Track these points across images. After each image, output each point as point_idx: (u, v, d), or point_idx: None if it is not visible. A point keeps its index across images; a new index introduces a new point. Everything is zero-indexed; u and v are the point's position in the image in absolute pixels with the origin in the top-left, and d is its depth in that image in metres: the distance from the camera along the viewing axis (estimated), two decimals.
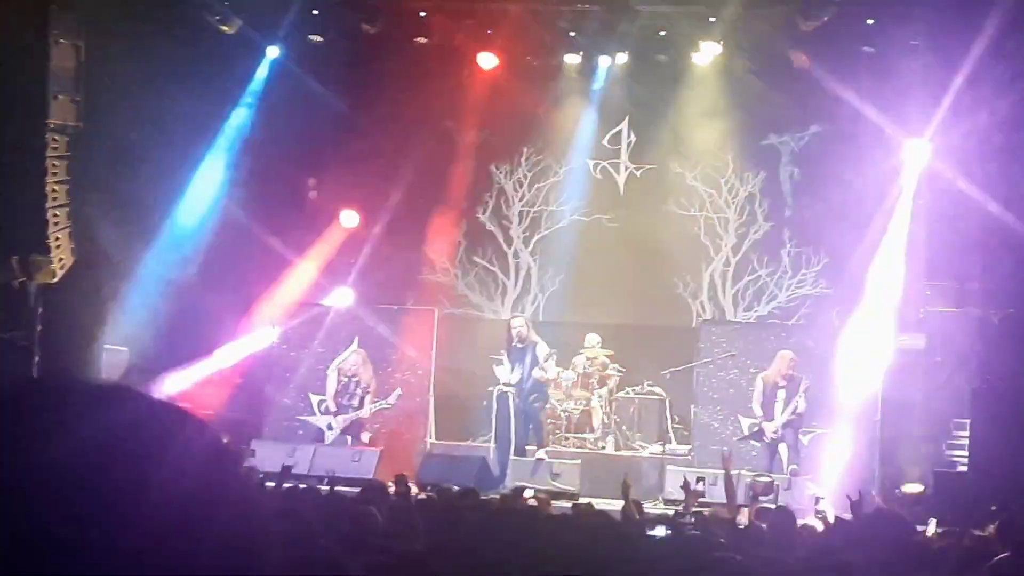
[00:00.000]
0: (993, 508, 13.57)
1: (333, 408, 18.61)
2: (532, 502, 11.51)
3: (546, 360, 17.96)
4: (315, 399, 19.38)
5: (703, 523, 9.79)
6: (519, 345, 18.03)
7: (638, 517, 10.50)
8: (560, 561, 6.64)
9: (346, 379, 18.70)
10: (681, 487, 12.27)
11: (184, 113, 18.63)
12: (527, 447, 17.84)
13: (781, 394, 17.44)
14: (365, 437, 18.59)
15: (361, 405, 18.55)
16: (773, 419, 17.41)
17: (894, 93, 18.30)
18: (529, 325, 18.40)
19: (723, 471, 16.71)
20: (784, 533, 9.40)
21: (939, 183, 18.14)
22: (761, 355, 18.34)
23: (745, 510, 12.00)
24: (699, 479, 12.53)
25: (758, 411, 17.54)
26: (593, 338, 19.65)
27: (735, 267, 20.77)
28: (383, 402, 18.74)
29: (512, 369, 18.01)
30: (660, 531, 8.80)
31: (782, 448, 17.43)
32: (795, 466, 14.27)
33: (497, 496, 12.86)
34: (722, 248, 20.81)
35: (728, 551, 7.21)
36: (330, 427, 18.50)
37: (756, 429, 17.57)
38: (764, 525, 9.80)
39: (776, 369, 17.60)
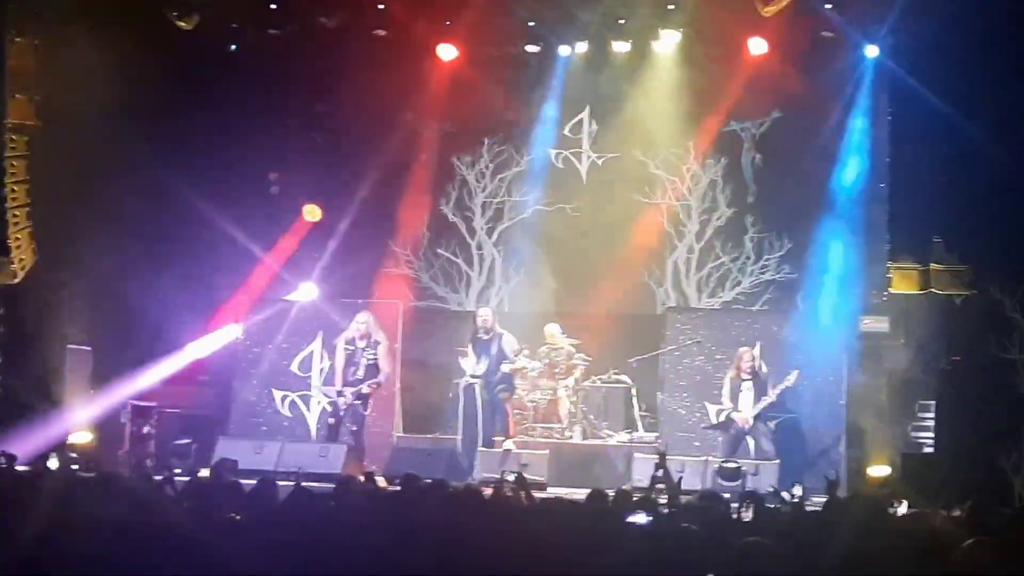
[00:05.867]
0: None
1: (339, 383, 18.06)
2: (508, 492, 11.49)
3: (516, 356, 17.94)
4: (278, 395, 19.30)
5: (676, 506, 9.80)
6: (484, 336, 17.97)
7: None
8: (531, 550, 6.64)
9: (351, 348, 17.83)
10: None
11: (144, 109, 18.51)
12: (494, 438, 17.81)
13: (747, 385, 17.37)
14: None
15: (367, 374, 17.66)
16: (741, 410, 17.32)
17: (855, 77, 18.41)
18: (495, 316, 18.36)
19: (694, 458, 16.85)
20: (755, 518, 9.43)
21: (901, 166, 18.25)
22: (726, 341, 18.36)
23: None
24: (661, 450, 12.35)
25: (728, 403, 17.45)
26: (552, 327, 19.60)
27: (699, 254, 20.76)
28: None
29: (478, 360, 17.95)
30: (641, 518, 8.74)
31: (752, 440, 17.39)
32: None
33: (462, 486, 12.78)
34: (685, 235, 20.81)
35: (699, 536, 7.23)
36: (340, 394, 17.75)
37: (724, 418, 17.50)
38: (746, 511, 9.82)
39: (736, 366, 17.52)
